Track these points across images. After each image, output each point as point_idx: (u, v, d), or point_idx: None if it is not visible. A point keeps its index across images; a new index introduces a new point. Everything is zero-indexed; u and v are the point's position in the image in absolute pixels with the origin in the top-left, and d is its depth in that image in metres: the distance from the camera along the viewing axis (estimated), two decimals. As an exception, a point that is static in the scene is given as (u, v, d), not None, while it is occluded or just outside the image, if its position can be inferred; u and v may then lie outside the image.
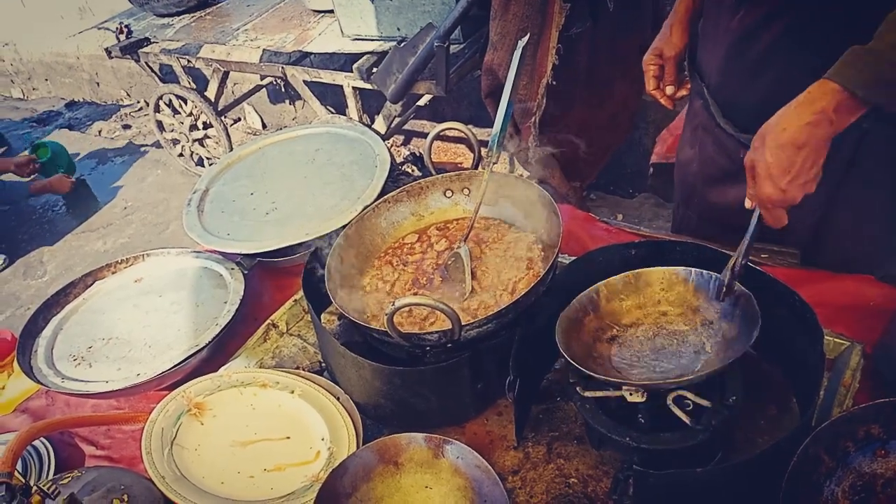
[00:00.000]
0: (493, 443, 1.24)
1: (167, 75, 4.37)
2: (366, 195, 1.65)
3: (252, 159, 1.95)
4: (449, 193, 1.53)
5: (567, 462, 1.18)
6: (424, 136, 1.64)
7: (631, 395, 1.13)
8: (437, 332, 1.16)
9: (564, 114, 2.85)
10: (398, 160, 4.36)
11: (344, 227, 1.47)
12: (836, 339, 1.22)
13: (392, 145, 4.57)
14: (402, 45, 2.86)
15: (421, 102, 3.68)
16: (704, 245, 1.25)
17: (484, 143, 1.37)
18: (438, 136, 1.52)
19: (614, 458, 1.17)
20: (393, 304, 1.10)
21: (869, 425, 1.00)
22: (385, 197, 1.52)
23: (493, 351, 1.20)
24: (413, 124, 4.28)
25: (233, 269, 1.66)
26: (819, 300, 1.32)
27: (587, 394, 1.14)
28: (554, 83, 2.59)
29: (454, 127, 1.52)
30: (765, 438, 1.13)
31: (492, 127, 1.39)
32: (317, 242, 1.50)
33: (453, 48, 2.83)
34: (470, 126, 1.53)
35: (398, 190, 1.52)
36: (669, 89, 1.56)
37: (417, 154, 4.32)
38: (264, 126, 5.28)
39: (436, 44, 2.69)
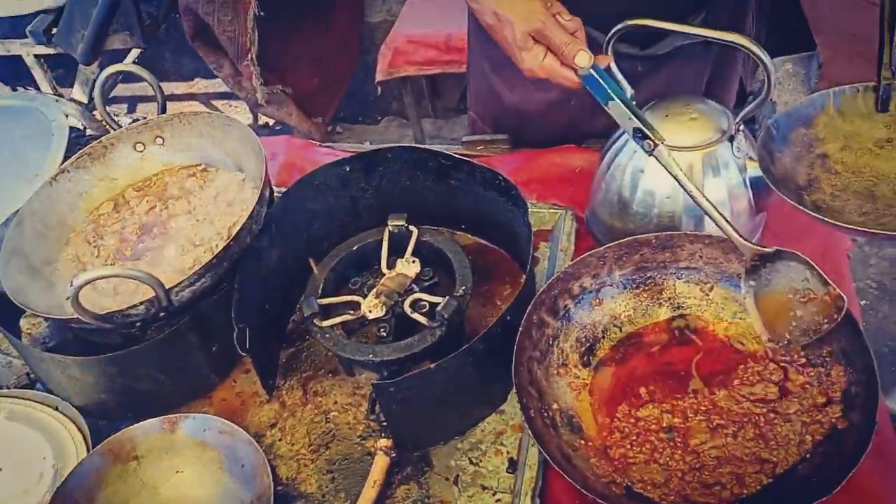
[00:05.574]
0: (244, 403, 1.14)
1: None
2: (44, 171, 1.40)
3: None
4: (140, 147, 1.33)
5: (325, 398, 1.12)
6: (150, 99, 1.42)
7: (371, 311, 1.10)
8: (141, 302, 1.01)
9: (285, 46, 2.69)
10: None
11: (16, 213, 1.23)
12: (550, 210, 1.28)
13: (117, 115, 4.04)
14: (78, -6, 2.47)
15: (129, 59, 3.25)
16: (414, 147, 1.23)
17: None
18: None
19: (371, 380, 1.13)
20: (71, 285, 0.94)
21: (581, 279, 1.07)
22: (62, 166, 1.29)
23: (218, 307, 1.08)
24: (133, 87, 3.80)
25: None
26: (532, 176, 1.39)
27: (325, 323, 1.08)
28: (262, 14, 2.41)
29: (128, 69, 1.32)
30: (504, 319, 1.17)
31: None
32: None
33: (142, -9, 2.50)
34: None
35: (76, 155, 1.30)
36: (582, 57, 0.95)
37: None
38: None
39: (117, -13, 2.35)
